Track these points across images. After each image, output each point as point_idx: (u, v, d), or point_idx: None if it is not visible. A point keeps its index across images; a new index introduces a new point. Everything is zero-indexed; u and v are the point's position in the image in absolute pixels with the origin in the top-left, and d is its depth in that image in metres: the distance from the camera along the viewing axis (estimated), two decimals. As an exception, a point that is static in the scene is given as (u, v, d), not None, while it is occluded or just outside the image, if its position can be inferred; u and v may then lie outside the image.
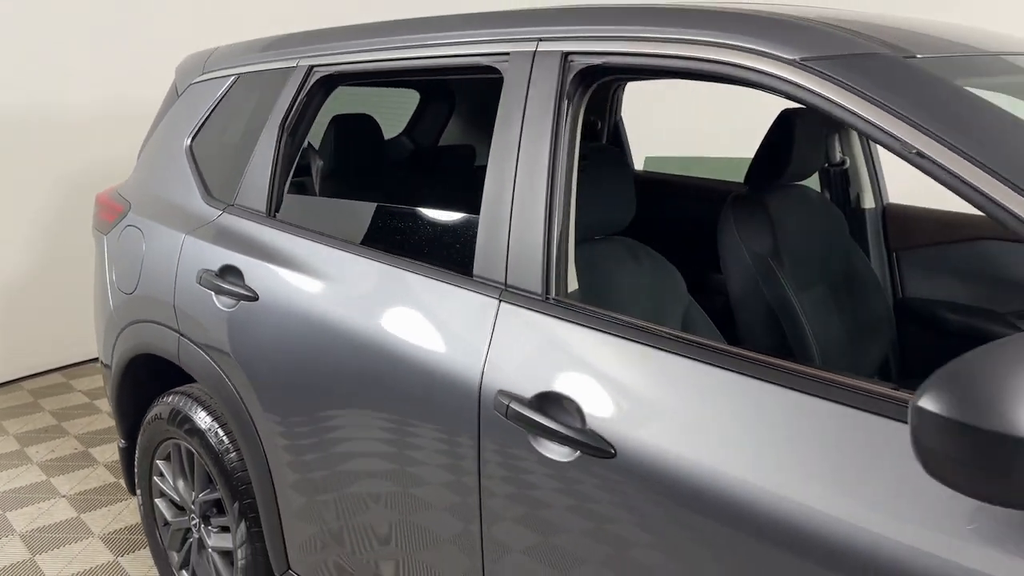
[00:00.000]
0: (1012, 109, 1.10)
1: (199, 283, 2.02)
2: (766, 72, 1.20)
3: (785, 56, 1.19)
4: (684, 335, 1.25)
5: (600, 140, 3.04)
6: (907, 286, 2.45)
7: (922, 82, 1.09)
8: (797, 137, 2.11)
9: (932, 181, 1.03)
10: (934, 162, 1.03)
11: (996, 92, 1.23)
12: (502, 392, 1.38)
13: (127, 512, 3.06)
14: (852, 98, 1.11)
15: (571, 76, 1.46)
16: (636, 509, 1.21)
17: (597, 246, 1.89)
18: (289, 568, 1.97)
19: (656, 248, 2.51)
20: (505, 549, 1.42)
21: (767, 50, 1.21)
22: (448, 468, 1.50)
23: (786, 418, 1.09)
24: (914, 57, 1.18)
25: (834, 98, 1.13)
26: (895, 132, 1.06)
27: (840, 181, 2.45)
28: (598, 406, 1.27)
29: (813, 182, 2.48)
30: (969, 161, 1.00)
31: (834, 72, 1.14)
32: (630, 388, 1.25)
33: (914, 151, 1.04)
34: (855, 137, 2.42)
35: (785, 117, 2.12)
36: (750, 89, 1.31)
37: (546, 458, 1.31)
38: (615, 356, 1.29)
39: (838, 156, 2.41)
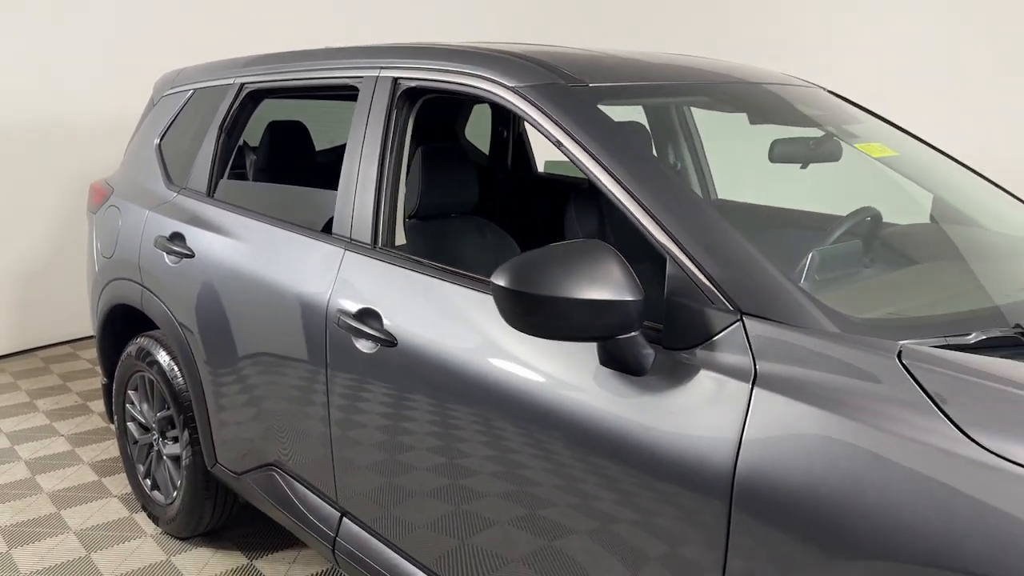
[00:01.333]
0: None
1: (155, 246, 2.67)
2: (497, 95, 1.82)
3: (506, 84, 1.81)
4: (450, 268, 1.87)
5: (507, 148, 3.67)
6: None
7: (574, 102, 1.71)
8: None
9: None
10: (568, 151, 1.64)
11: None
12: (339, 310, 2.00)
13: (112, 447, 3.71)
14: (538, 113, 1.73)
15: (399, 94, 2.09)
16: (412, 381, 1.83)
17: (452, 221, 2.51)
18: (217, 462, 2.61)
19: (539, 228, 3.16)
20: (340, 414, 2.04)
21: (497, 79, 1.83)
22: (311, 372, 2.12)
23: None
24: (585, 84, 1.79)
25: (530, 114, 1.74)
26: (553, 133, 1.68)
27: (675, 180, 3.04)
28: (391, 314, 1.89)
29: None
30: (582, 149, 1.62)
31: (530, 95, 1.76)
32: (412, 303, 1.88)
33: (559, 143, 1.66)
34: (684, 145, 3.02)
35: None
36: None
37: (360, 352, 1.94)
38: (408, 283, 1.91)
39: (671, 160, 3.02)
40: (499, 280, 1.40)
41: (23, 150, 4.83)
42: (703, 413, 1.33)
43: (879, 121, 2.29)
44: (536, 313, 1.38)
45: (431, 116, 3.64)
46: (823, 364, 1.25)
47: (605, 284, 1.36)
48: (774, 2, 5.40)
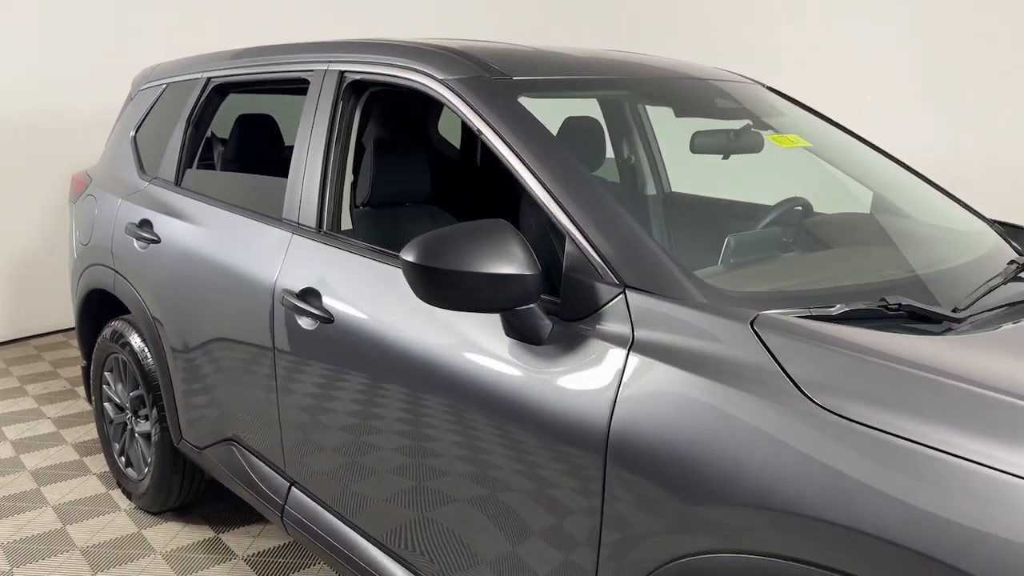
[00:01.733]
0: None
1: (126, 232, 2.80)
2: (430, 87, 1.94)
3: (437, 76, 1.93)
4: (385, 250, 1.98)
5: (476, 142, 3.78)
6: (680, 254, 3.15)
7: (495, 95, 1.83)
8: (577, 140, 2.81)
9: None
10: (487, 140, 1.76)
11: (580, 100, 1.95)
12: (284, 290, 2.13)
13: (95, 429, 3.85)
14: (463, 104, 1.84)
15: (345, 86, 2.21)
16: (347, 355, 1.95)
17: (406, 210, 2.63)
18: (182, 438, 2.73)
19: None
20: (286, 388, 2.16)
21: (429, 72, 1.95)
22: (261, 349, 2.24)
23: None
24: (509, 78, 1.91)
25: (457, 105, 1.86)
26: (474, 122, 1.80)
27: (630, 173, 3.16)
28: (330, 293, 2.01)
29: (614, 175, 3.19)
30: (499, 137, 1.74)
31: (457, 88, 1.87)
32: (349, 282, 2.00)
33: (480, 132, 1.78)
34: (638, 139, 3.13)
35: (566, 126, 2.83)
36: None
37: (302, 329, 2.06)
38: (347, 264, 2.03)
39: (625, 153, 3.12)
40: (407, 255, 1.52)
41: (20, 146, 4.99)
42: (587, 377, 1.44)
43: (811, 115, 2.39)
44: (441, 286, 1.50)
45: (404, 112, 3.77)
46: (687, 331, 1.36)
47: (505, 260, 1.48)
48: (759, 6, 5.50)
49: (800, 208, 2.25)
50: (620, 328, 1.44)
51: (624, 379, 1.39)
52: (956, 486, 1.04)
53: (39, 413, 4.06)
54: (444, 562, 1.80)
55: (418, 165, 2.57)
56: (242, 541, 2.90)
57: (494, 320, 1.62)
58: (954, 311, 1.50)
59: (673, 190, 3.21)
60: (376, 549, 2.00)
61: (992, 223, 2.27)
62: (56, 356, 4.93)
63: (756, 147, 2.22)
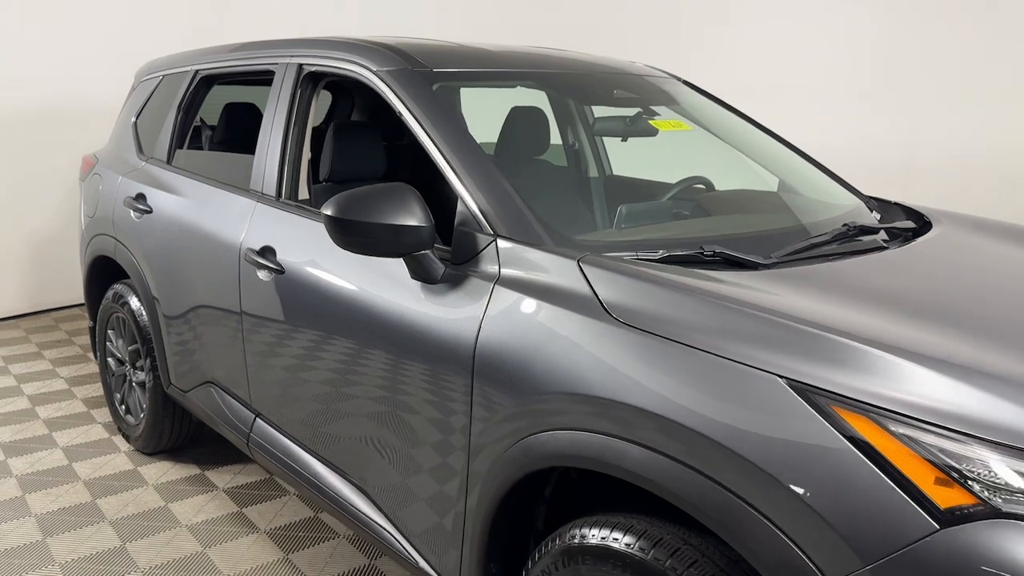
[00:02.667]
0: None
1: (124, 205, 3.22)
2: (366, 77, 2.32)
3: (371, 68, 2.31)
4: (316, 211, 2.36)
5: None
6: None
7: (415, 84, 2.20)
8: (523, 127, 3.17)
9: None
10: (406, 122, 2.14)
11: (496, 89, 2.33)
12: (247, 248, 2.52)
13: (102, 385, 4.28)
14: (390, 92, 2.22)
15: (302, 77, 2.60)
16: (295, 301, 2.34)
17: (361, 185, 3.01)
18: (171, 383, 3.14)
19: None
20: (249, 333, 2.56)
21: (366, 64, 2.33)
22: (230, 301, 2.63)
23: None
24: (429, 70, 2.28)
25: (385, 92, 2.23)
26: (397, 107, 2.17)
27: (575, 157, 3.52)
28: (281, 249, 2.40)
29: (562, 159, 3.55)
30: (414, 118, 2.11)
31: (385, 78, 2.25)
32: (298, 240, 2.39)
33: (400, 115, 2.15)
34: (581, 128, 3.49)
35: (512, 115, 3.19)
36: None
37: (261, 281, 2.45)
38: (298, 226, 2.42)
39: (570, 140, 3.48)
40: (327, 210, 1.90)
41: (41, 133, 5.45)
42: (464, 307, 1.82)
43: (712, 104, 2.75)
44: (353, 234, 1.88)
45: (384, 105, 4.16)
46: (534, 268, 1.73)
47: (405, 214, 1.85)
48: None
49: (702, 186, 2.61)
50: (491, 268, 1.81)
51: (488, 307, 1.76)
52: (690, 369, 1.40)
53: (54, 374, 4.50)
54: (363, 470, 2.19)
55: (374, 146, 2.95)
56: (223, 477, 3.31)
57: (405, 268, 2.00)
58: (769, 259, 1.85)
59: (614, 173, 3.57)
60: (320, 464, 2.39)
61: (868, 199, 2.62)
62: (72, 326, 5.38)
63: (650, 131, 2.58)
